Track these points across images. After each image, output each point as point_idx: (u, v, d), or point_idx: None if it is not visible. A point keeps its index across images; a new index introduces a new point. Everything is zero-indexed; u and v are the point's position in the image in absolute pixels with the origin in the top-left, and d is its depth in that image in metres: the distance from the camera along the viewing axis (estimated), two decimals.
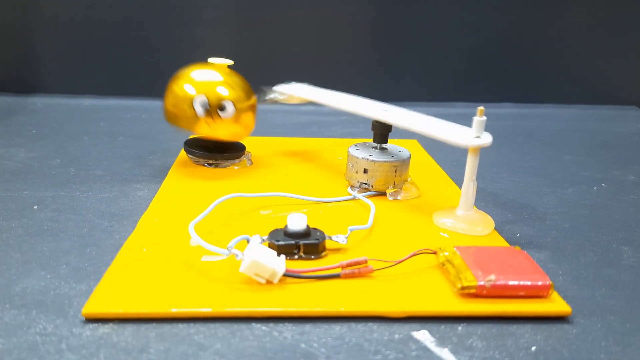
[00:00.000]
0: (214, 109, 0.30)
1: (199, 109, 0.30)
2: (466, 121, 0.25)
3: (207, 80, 0.30)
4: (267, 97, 0.35)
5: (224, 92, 0.30)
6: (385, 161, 0.28)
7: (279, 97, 0.35)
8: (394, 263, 0.20)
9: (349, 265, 0.20)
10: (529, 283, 0.19)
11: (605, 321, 0.19)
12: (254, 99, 0.32)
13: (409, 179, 0.29)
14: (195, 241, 0.21)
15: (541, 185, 0.33)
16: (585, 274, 0.22)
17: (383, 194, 0.29)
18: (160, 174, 0.31)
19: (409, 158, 0.29)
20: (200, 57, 0.33)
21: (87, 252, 0.22)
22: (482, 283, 0.18)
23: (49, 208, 0.27)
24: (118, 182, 0.30)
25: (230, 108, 0.30)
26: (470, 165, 0.24)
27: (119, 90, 0.53)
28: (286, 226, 0.22)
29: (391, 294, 0.19)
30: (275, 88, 0.35)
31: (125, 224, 0.25)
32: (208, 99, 0.30)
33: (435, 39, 0.57)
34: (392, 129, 0.29)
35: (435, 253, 0.21)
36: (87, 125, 0.43)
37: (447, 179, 0.32)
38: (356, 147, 0.30)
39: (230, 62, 0.32)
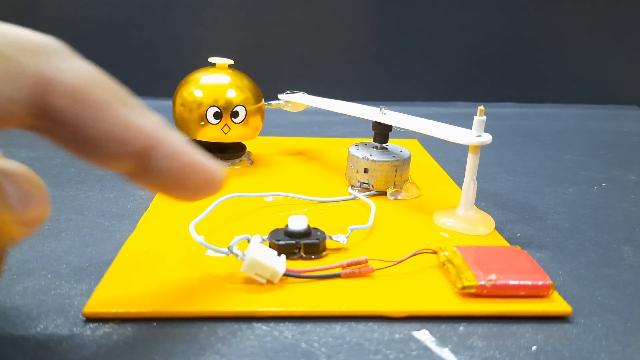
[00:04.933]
0: (228, 116, 0.30)
1: (213, 120, 0.30)
2: (466, 121, 0.25)
3: (216, 83, 0.30)
4: (272, 105, 0.35)
5: (233, 95, 0.30)
6: (385, 161, 0.28)
7: (283, 105, 0.35)
8: (395, 263, 0.20)
9: (349, 265, 0.20)
10: (529, 283, 0.19)
11: (605, 321, 0.19)
12: (262, 100, 0.32)
13: (409, 178, 0.29)
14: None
15: (541, 185, 0.33)
16: (586, 274, 0.22)
17: (383, 193, 0.29)
18: None
19: (409, 158, 0.29)
20: (200, 57, 0.33)
21: (87, 252, 0.22)
22: (482, 283, 0.18)
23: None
24: (119, 182, 0.30)
25: (242, 113, 0.30)
26: (471, 165, 0.24)
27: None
28: (287, 226, 0.22)
29: (392, 293, 0.19)
30: (281, 96, 0.35)
31: (125, 224, 0.25)
32: (220, 106, 0.30)
33: (435, 39, 0.57)
34: (393, 129, 0.29)
35: (435, 253, 0.21)
36: None
37: (447, 178, 0.32)
38: (357, 147, 0.30)
39: (231, 61, 0.32)
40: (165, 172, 0.15)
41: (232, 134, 0.31)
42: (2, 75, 0.12)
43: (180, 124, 0.31)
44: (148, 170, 0.14)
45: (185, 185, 0.15)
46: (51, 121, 0.13)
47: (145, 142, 0.14)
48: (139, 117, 0.14)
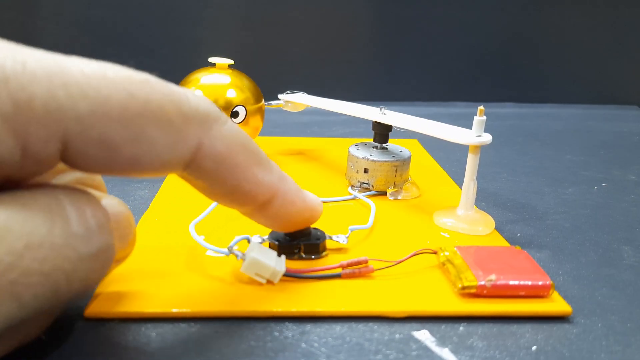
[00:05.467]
0: (228, 116, 0.30)
1: None
2: (466, 121, 0.25)
3: (216, 83, 0.30)
4: (272, 105, 0.35)
5: (233, 95, 0.30)
6: (385, 161, 0.28)
7: (283, 105, 0.35)
8: (395, 263, 0.20)
9: (349, 265, 0.20)
10: (529, 283, 0.19)
11: (605, 321, 0.19)
12: (262, 100, 0.32)
13: (409, 178, 0.29)
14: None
15: (541, 185, 0.33)
16: (586, 274, 0.22)
17: (383, 193, 0.29)
18: None
19: (409, 158, 0.29)
20: (200, 57, 0.33)
21: None
22: (482, 283, 0.18)
23: None
24: (119, 182, 0.30)
25: (242, 113, 0.30)
26: (471, 165, 0.24)
27: None
28: None
29: (392, 294, 0.19)
30: (281, 96, 0.35)
31: None
32: (220, 106, 0.30)
33: (435, 39, 0.57)
34: (393, 129, 0.29)
35: (435, 253, 0.21)
36: None
37: (447, 178, 0.32)
38: (357, 147, 0.30)
39: (231, 61, 0.32)
40: (279, 215, 0.17)
41: None
42: (168, 144, 0.13)
43: None
44: (265, 212, 0.17)
45: (292, 224, 0.18)
46: (193, 175, 0.15)
47: (270, 195, 0.16)
48: (267, 174, 0.16)
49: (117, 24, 0.53)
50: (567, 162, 0.38)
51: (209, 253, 0.21)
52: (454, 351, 0.17)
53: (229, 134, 0.15)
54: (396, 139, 0.37)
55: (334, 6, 0.55)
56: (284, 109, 0.35)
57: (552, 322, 0.18)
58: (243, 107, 0.30)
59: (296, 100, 0.35)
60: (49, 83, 0.11)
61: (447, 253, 0.21)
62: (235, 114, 0.30)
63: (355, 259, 0.20)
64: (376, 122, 0.29)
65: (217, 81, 0.31)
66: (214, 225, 0.24)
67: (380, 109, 0.29)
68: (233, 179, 0.15)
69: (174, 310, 0.18)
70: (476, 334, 0.18)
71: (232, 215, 0.25)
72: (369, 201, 0.27)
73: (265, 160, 0.16)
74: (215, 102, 0.30)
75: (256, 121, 0.32)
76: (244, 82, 0.31)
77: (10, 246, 0.11)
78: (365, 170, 0.29)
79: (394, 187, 0.29)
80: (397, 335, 0.17)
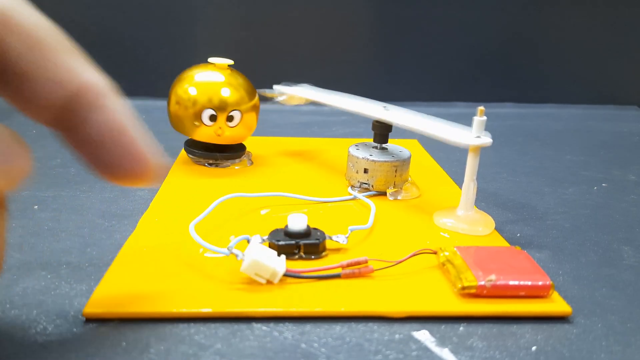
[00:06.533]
0: (223, 120, 0.30)
1: (208, 122, 0.30)
2: (466, 121, 0.25)
3: (210, 81, 0.30)
4: (267, 94, 0.35)
5: (228, 94, 0.30)
6: (385, 161, 0.28)
7: (279, 98, 0.35)
8: (395, 263, 0.20)
9: (349, 265, 0.20)
10: (529, 283, 0.19)
11: (605, 321, 0.19)
12: (256, 99, 0.32)
13: (409, 178, 0.29)
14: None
15: (541, 185, 0.33)
16: (586, 274, 0.22)
17: (383, 193, 0.29)
18: None
19: (409, 158, 0.29)
20: (200, 57, 0.33)
21: (87, 252, 0.22)
22: (482, 283, 0.18)
23: (49, 208, 0.27)
24: None
25: (237, 117, 0.30)
26: (471, 165, 0.24)
27: (119, 91, 0.53)
28: (286, 226, 0.22)
29: (391, 294, 0.19)
30: (276, 87, 0.35)
31: (125, 224, 0.25)
32: (215, 106, 0.30)
33: (435, 39, 0.57)
34: (393, 129, 0.29)
35: (435, 253, 0.21)
36: None
37: (447, 179, 0.32)
38: (356, 147, 0.30)
39: (231, 61, 0.32)
40: (101, 130, 0.15)
41: (225, 135, 0.31)
42: None
43: (175, 122, 0.31)
44: (84, 118, 0.15)
45: (115, 156, 0.15)
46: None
47: (84, 87, 0.15)
48: (83, 66, 0.15)
49: (117, 24, 0.53)
50: (567, 162, 0.38)
51: (209, 254, 0.21)
52: (454, 351, 0.17)
53: (35, 15, 0.14)
54: (396, 139, 0.37)
55: (334, 6, 0.55)
56: (277, 100, 0.35)
57: (552, 322, 0.18)
58: (238, 112, 0.30)
59: (292, 93, 0.34)
60: None
61: (447, 253, 0.21)
62: (230, 118, 0.30)
63: (355, 259, 0.20)
64: (376, 122, 0.29)
65: (212, 79, 0.31)
66: (214, 225, 0.24)
67: (385, 107, 0.29)
68: (40, 59, 0.14)
69: (174, 310, 0.18)
70: (476, 334, 0.18)
71: (232, 216, 0.25)
72: (369, 201, 0.27)
73: (81, 53, 0.15)
74: (210, 101, 0.30)
75: (251, 120, 0.32)
76: (238, 80, 0.31)
77: None
78: (365, 171, 0.28)
79: (394, 187, 0.29)
80: (397, 336, 0.17)
